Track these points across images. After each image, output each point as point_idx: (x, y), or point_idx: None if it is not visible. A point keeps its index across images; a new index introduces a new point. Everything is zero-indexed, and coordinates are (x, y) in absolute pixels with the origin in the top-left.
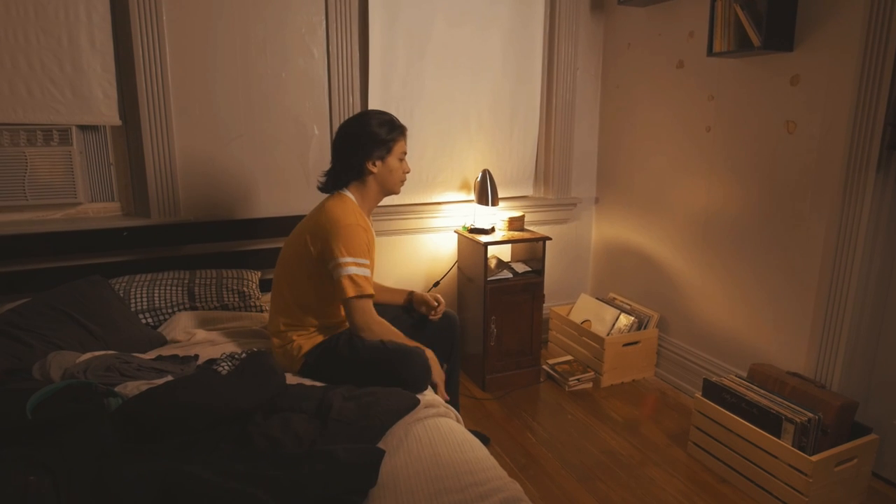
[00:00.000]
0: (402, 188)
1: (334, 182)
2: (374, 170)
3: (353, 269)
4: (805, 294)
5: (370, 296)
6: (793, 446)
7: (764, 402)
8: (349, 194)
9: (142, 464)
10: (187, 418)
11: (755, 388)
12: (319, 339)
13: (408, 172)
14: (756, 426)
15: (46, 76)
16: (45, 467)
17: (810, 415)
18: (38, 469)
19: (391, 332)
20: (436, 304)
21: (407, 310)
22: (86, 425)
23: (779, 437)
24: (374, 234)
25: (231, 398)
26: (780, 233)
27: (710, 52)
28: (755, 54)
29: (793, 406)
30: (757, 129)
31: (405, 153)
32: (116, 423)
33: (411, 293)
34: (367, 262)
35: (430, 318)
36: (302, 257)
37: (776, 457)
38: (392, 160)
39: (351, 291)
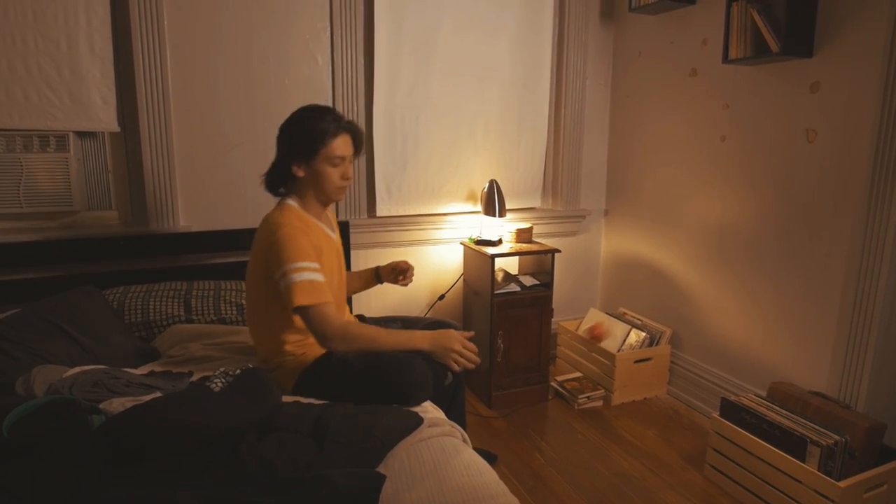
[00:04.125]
0: (348, 195)
1: (270, 184)
2: (301, 174)
3: (298, 276)
4: (827, 309)
5: (326, 302)
6: (818, 471)
7: (787, 423)
8: (291, 202)
9: (122, 489)
10: (174, 438)
11: (776, 408)
12: (308, 361)
13: (348, 180)
14: (779, 449)
15: (44, 81)
16: (12, 493)
17: (837, 437)
18: (4, 495)
19: (372, 331)
20: (406, 266)
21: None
22: (64, 446)
23: (803, 461)
24: (332, 236)
25: (222, 417)
26: (800, 246)
27: (725, 58)
28: (773, 61)
29: (817, 428)
30: (774, 139)
31: (342, 158)
32: (98, 442)
33: (377, 268)
34: (315, 265)
35: (402, 284)
36: (258, 281)
37: (800, 482)
38: (320, 165)
39: (301, 299)
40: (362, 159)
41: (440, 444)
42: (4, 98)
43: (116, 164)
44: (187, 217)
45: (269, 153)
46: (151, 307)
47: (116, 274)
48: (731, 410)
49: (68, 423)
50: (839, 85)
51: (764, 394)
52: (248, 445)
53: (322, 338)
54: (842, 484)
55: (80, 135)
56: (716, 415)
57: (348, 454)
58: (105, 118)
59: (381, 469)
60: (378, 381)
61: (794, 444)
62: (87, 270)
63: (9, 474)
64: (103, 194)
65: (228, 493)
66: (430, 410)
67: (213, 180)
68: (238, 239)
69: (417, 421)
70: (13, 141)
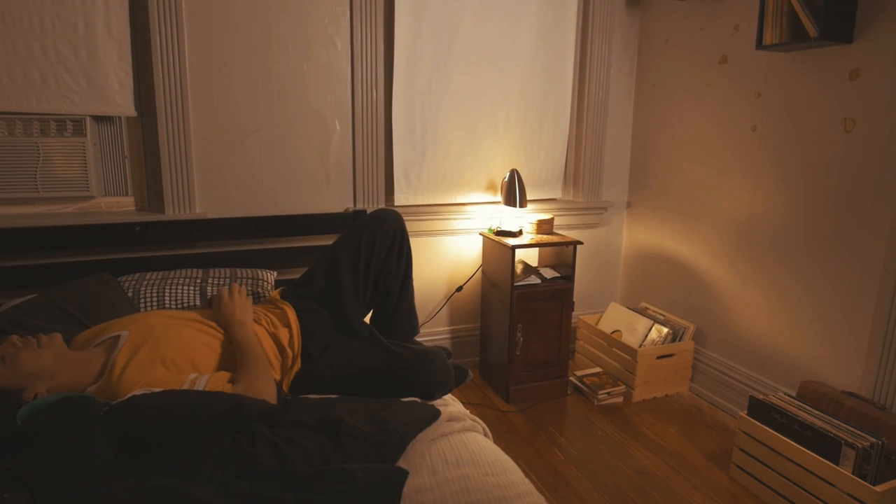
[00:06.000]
0: None
1: None
2: None
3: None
4: (862, 307)
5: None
6: (853, 474)
7: (819, 423)
8: None
9: (135, 481)
10: (169, 425)
11: (808, 407)
12: (292, 374)
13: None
14: (811, 450)
15: (61, 64)
16: (24, 482)
17: (873, 439)
18: (15, 484)
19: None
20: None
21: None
22: (76, 435)
23: (837, 464)
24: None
25: (205, 403)
26: (834, 239)
27: (759, 44)
28: (810, 47)
29: (852, 429)
30: (809, 128)
31: None
32: (107, 432)
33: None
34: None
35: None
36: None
37: (833, 485)
38: None
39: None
40: (380, 146)
41: (463, 440)
42: (22, 81)
43: (133, 149)
44: (203, 204)
45: (286, 140)
46: (167, 294)
47: (133, 260)
48: (760, 409)
49: (81, 413)
50: (880, 72)
51: (793, 393)
52: (261, 438)
53: None
54: (878, 488)
55: (97, 119)
56: (743, 413)
57: (366, 448)
58: (122, 102)
59: (400, 464)
60: (398, 378)
61: (828, 446)
62: (103, 256)
63: (22, 463)
64: (120, 180)
65: (244, 486)
66: (449, 403)
67: (229, 167)
68: (254, 226)
69: (435, 413)
70: (30, 125)
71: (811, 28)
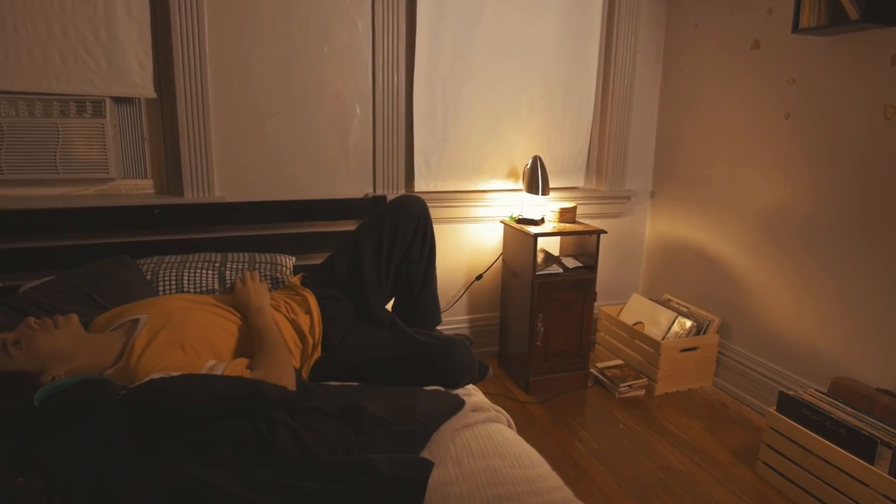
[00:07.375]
0: None
1: None
2: None
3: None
4: None
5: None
6: (889, 474)
7: (853, 421)
8: None
9: (152, 467)
10: (187, 409)
11: (840, 404)
12: (312, 361)
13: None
14: (844, 449)
15: (81, 44)
16: (38, 467)
17: None
18: (30, 469)
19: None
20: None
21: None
22: (93, 419)
23: (872, 463)
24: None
25: (224, 388)
26: (869, 233)
27: (795, 28)
28: (849, 30)
29: (888, 428)
30: (847, 115)
31: None
32: (125, 416)
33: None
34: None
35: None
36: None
37: (867, 485)
38: None
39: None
40: (401, 131)
41: (488, 432)
42: (42, 61)
43: (152, 131)
44: (222, 187)
45: (305, 124)
46: (185, 278)
47: (151, 243)
48: (790, 405)
49: (98, 396)
50: None
51: (823, 389)
52: (281, 426)
53: None
54: None
55: (117, 100)
56: (771, 409)
57: (389, 437)
58: (141, 83)
59: (424, 454)
60: (421, 366)
61: (862, 445)
62: (122, 239)
63: (37, 447)
64: (139, 162)
65: (266, 475)
66: (472, 393)
67: (248, 150)
68: (273, 210)
69: (459, 403)
70: (50, 105)
71: (852, 10)
